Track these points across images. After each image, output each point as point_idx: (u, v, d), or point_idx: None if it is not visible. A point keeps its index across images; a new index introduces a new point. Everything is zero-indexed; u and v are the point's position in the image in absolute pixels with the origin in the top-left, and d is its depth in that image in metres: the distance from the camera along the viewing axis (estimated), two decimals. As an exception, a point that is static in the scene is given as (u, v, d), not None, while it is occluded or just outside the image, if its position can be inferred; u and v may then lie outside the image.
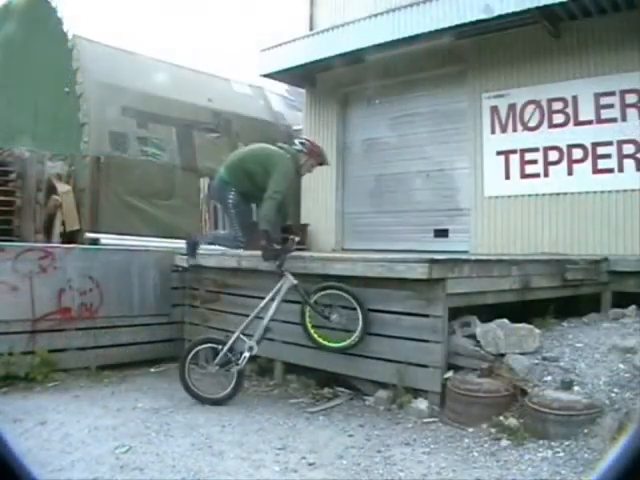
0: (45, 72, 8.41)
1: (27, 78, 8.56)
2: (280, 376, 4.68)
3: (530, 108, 7.05)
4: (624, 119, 6.35)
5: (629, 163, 6.29)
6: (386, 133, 8.64)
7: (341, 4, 8.98)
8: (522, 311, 4.36)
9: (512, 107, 7.20)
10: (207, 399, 4.10)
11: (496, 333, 3.79)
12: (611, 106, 6.41)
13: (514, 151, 7.16)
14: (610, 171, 6.41)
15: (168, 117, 8.64)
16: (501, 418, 3.36)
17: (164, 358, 5.34)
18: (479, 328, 3.89)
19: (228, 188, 4.69)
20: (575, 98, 6.70)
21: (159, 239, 6.80)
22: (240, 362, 4.04)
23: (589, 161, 6.57)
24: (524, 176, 7.08)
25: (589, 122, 6.59)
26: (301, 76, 9.15)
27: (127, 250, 5.70)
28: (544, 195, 6.91)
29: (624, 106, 6.34)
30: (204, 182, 8.48)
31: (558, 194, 6.80)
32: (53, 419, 3.65)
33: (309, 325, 4.16)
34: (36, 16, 8.58)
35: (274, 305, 4.14)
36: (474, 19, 6.58)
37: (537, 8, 6.27)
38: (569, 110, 6.74)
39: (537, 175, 6.97)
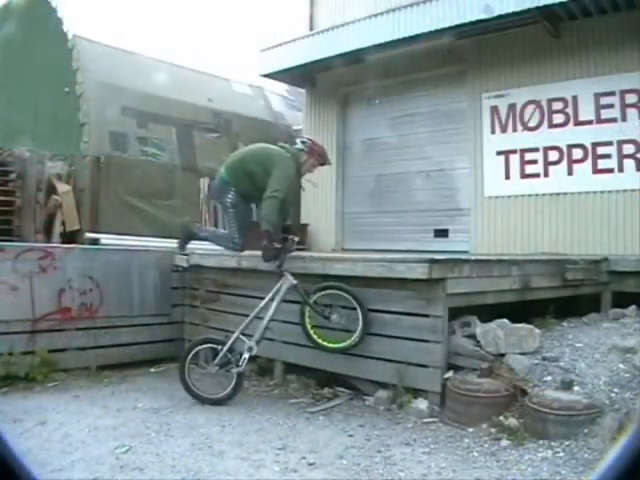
0: (45, 72, 8.41)
1: (27, 78, 8.56)
2: (280, 376, 4.68)
3: (530, 108, 7.05)
4: (624, 119, 6.35)
5: (629, 163, 6.29)
6: (386, 133, 8.64)
7: (341, 4, 8.98)
8: (522, 311, 4.36)
9: (512, 107, 7.20)
10: (207, 399, 4.10)
11: (496, 333, 3.79)
12: (611, 106, 6.41)
13: (514, 151, 7.16)
14: (610, 171, 6.41)
15: (168, 117, 8.64)
16: (501, 418, 3.36)
17: (164, 358, 5.34)
18: (479, 328, 3.89)
19: (228, 188, 4.68)
20: (575, 98, 6.70)
21: (159, 239, 6.79)
22: (240, 363, 4.04)
23: (589, 161, 6.57)
24: (524, 176, 7.08)
25: (589, 122, 6.59)
26: (301, 76, 9.15)
27: (127, 250, 5.70)
28: (544, 195, 6.91)
29: (624, 106, 6.34)
30: (204, 182, 8.49)
31: (558, 194, 6.80)
32: (53, 419, 3.65)
33: (308, 325, 4.16)
34: (36, 16, 8.58)
35: (273, 305, 4.13)
36: (474, 19, 6.59)
37: (537, 8, 6.27)
38: (569, 110, 6.75)
39: (537, 175, 6.98)
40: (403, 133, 8.40)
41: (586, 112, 6.61)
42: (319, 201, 9.02)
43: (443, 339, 3.77)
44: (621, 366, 3.53)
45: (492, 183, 7.35)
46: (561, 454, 2.94)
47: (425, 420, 3.59)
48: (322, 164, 4.83)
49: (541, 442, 3.09)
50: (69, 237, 7.33)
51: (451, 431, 3.42)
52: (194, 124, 8.96)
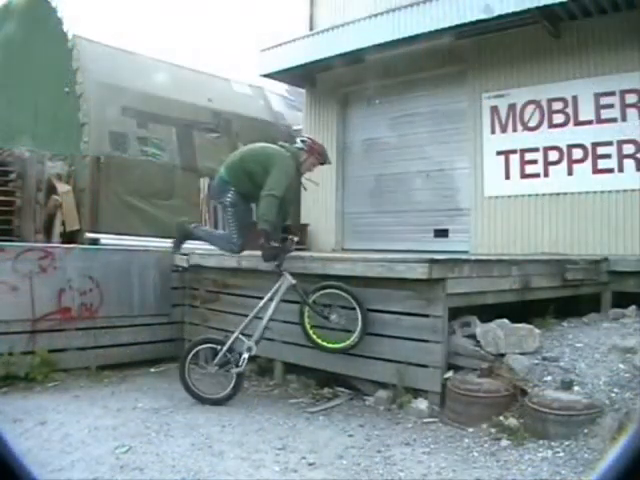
0: (45, 72, 8.41)
1: (27, 78, 8.56)
2: (280, 376, 4.68)
3: (530, 108, 7.05)
4: (624, 119, 6.35)
5: (629, 163, 6.29)
6: (386, 133, 8.64)
7: (341, 4, 8.98)
8: (522, 311, 4.36)
9: (512, 107, 7.20)
10: (207, 399, 4.10)
11: (496, 333, 3.79)
12: (611, 106, 6.41)
13: (514, 151, 7.16)
14: (610, 171, 6.41)
15: (168, 117, 8.64)
16: (501, 418, 3.36)
17: (164, 358, 5.34)
18: (479, 328, 3.89)
19: (227, 188, 4.66)
20: (575, 98, 6.70)
21: (159, 239, 6.79)
22: (239, 363, 4.04)
23: (589, 161, 6.57)
24: (524, 176, 7.08)
25: (589, 122, 6.59)
26: (301, 76, 9.15)
27: (127, 250, 5.70)
28: (544, 195, 6.91)
29: (624, 106, 6.34)
30: (204, 182, 8.48)
31: (558, 194, 6.80)
32: (53, 419, 3.65)
33: (308, 325, 4.15)
34: (36, 16, 8.59)
35: (273, 305, 4.13)
36: (474, 19, 6.59)
37: (537, 8, 6.27)
38: (569, 110, 6.75)
39: (537, 175, 6.98)
40: (403, 133, 8.40)
41: (586, 112, 6.61)
42: (319, 201, 9.02)
43: (443, 339, 3.77)
44: (621, 366, 3.53)
45: (492, 183, 7.35)
46: (561, 454, 2.94)
47: (425, 420, 3.59)
48: (322, 163, 4.80)
49: (541, 442, 3.09)
50: (69, 237, 7.34)
51: (451, 431, 3.42)
52: (194, 124, 8.97)
